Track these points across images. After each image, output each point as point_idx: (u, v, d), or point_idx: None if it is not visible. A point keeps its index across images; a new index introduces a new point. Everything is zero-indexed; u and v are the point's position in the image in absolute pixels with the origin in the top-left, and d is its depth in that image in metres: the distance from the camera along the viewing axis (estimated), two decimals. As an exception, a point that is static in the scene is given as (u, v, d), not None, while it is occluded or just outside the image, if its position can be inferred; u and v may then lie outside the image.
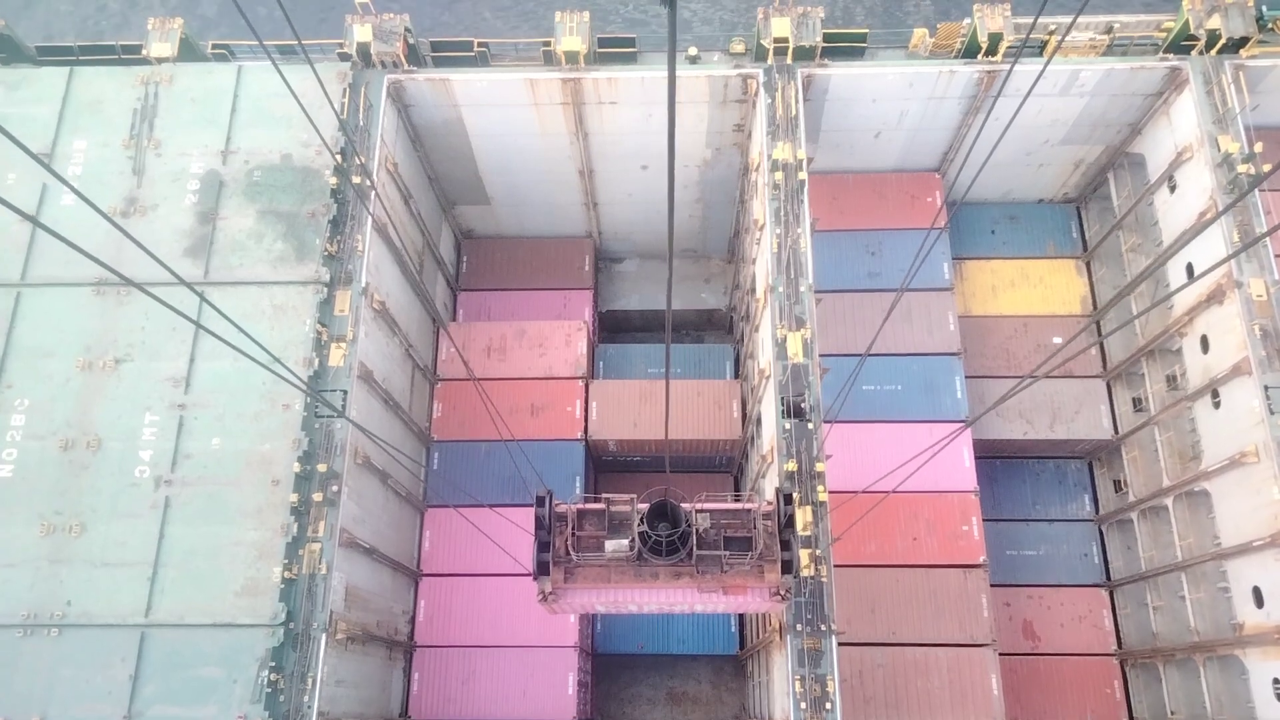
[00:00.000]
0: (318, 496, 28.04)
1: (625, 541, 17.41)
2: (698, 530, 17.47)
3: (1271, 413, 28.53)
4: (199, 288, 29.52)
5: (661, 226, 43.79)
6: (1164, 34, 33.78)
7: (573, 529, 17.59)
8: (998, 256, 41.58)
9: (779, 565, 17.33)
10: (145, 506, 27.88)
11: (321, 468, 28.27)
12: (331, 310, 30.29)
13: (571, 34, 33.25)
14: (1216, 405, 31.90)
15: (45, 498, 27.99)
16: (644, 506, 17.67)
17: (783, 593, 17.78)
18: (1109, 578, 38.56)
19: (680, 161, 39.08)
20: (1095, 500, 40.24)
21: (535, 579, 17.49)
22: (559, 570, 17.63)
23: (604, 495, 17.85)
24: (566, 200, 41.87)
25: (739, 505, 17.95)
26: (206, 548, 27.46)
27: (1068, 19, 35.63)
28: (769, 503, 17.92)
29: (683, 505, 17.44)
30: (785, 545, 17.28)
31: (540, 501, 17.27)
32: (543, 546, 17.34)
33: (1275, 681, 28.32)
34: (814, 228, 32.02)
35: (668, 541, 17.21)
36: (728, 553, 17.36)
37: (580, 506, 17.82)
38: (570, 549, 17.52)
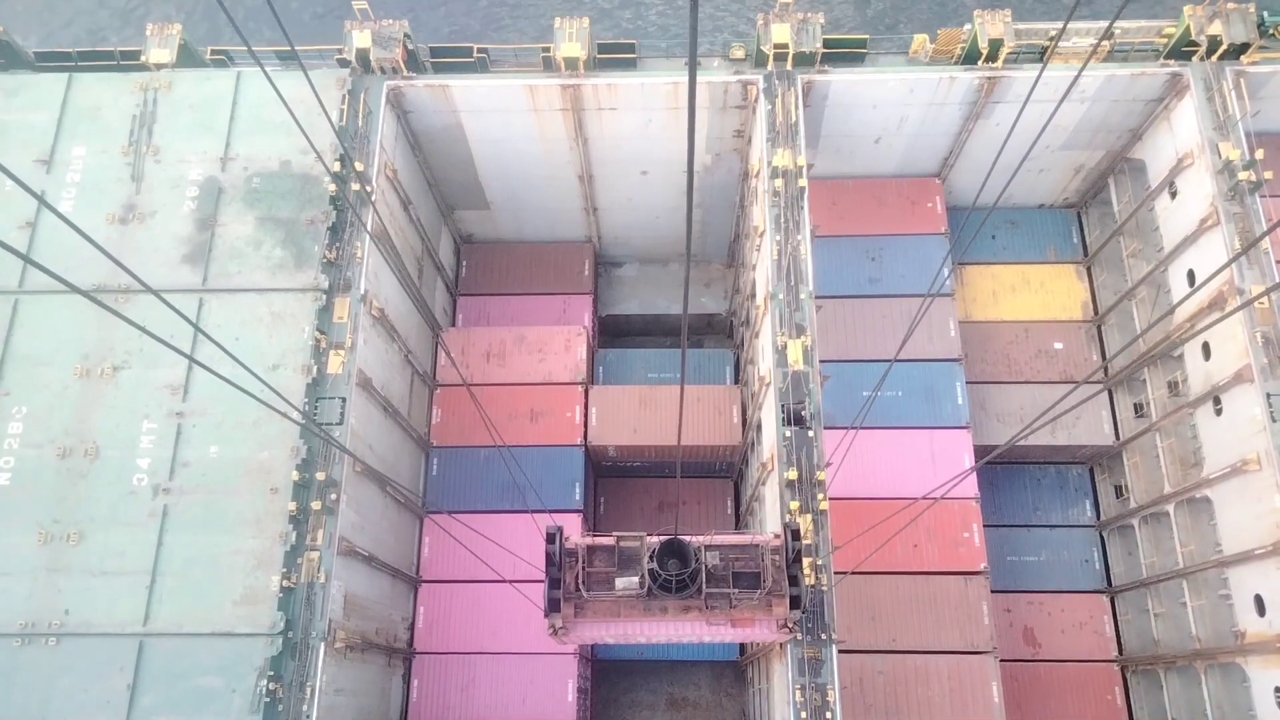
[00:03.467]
0: (316, 505, 27.92)
1: (635, 579, 17.35)
2: (707, 566, 17.40)
3: (1273, 420, 28.44)
4: (197, 295, 29.84)
5: (660, 231, 43.65)
6: (1165, 40, 33.64)
7: (583, 565, 17.50)
8: (998, 261, 41.45)
9: (787, 600, 17.28)
10: (143, 515, 27.75)
11: (320, 476, 28.14)
12: (330, 317, 30.18)
13: (571, 40, 33.19)
14: (1218, 412, 31.81)
15: (43, 506, 27.85)
16: (653, 542, 17.59)
17: (790, 625, 17.74)
18: (1110, 584, 38.46)
19: (679, 166, 38.99)
20: (1096, 506, 40.14)
21: (546, 616, 17.43)
22: (569, 606, 17.59)
23: (614, 532, 17.73)
24: (566, 205, 41.79)
25: (747, 540, 17.87)
26: (205, 556, 27.33)
27: (1069, 24, 35.48)
28: (776, 536, 17.85)
29: (692, 540, 17.36)
30: (793, 580, 17.23)
31: (551, 538, 17.18)
32: (553, 583, 17.28)
33: (1277, 690, 28.23)
34: (814, 233, 31.93)
35: (677, 579, 17.16)
36: (736, 590, 17.30)
37: (590, 542, 17.72)
38: (580, 585, 17.44)
